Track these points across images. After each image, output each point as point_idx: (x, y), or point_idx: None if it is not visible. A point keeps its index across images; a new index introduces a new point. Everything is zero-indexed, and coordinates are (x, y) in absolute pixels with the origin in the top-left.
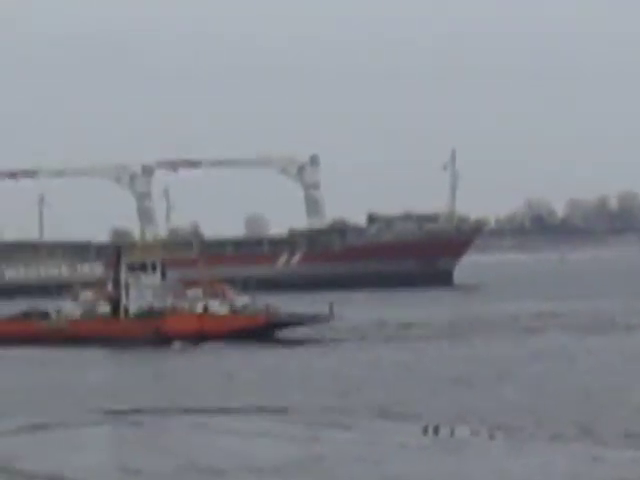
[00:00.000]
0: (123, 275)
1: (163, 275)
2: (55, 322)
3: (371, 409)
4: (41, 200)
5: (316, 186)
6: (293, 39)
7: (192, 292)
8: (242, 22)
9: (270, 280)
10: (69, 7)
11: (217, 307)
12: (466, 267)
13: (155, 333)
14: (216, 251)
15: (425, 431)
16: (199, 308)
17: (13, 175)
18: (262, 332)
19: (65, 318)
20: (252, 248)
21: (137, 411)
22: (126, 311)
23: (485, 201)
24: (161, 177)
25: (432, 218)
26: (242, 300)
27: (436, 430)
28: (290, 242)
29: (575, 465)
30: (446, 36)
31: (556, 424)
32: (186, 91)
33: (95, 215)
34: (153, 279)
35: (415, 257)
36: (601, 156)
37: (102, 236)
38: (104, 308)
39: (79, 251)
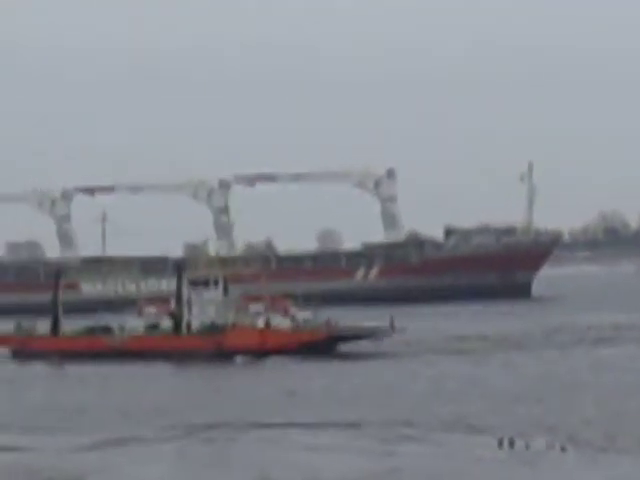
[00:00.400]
0: (185, 291)
1: (225, 291)
2: (118, 338)
3: (442, 422)
4: (103, 216)
5: (393, 199)
6: (367, 53)
7: (254, 307)
8: (309, 35)
9: (348, 294)
10: (139, 24)
11: (279, 322)
12: (542, 279)
13: (217, 348)
14: (292, 266)
15: (500, 444)
16: (261, 323)
17: (91, 191)
18: (323, 346)
19: (128, 334)
20: (329, 262)
21: (208, 426)
22: (189, 326)
23: (558, 213)
24: (238, 192)
25: (509, 231)
26: (303, 315)
27: (511, 443)
28: (367, 256)
29: None
30: (526, 47)
31: (628, 437)
32: (262, 105)
33: (172, 230)
34: (215, 295)
35: (493, 270)
36: None
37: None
38: (167, 323)
39: (156, 266)
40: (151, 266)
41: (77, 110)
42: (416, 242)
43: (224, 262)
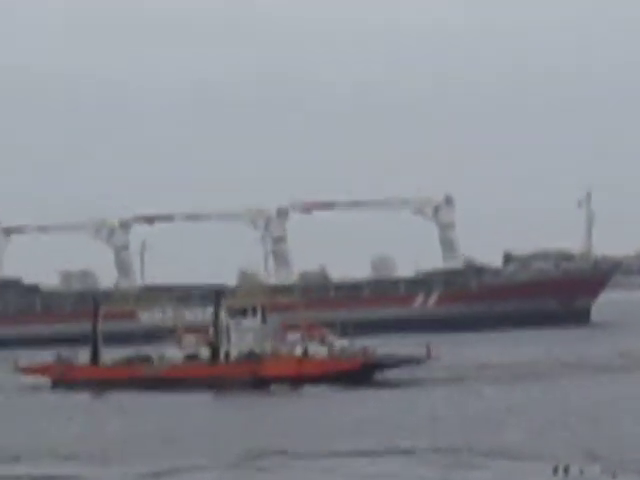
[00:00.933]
0: (224, 319)
1: (263, 319)
2: (157, 367)
3: (491, 449)
4: (143, 245)
5: (451, 226)
6: (423, 79)
7: (292, 336)
8: (365, 67)
9: (406, 321)
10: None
11: (316, 350)
12: (600, 305)
13: (254, 377)
14: (349, 293)
15: (555, 471)
16: (298, 351)
17: (150, 220)
18: (360, 374)
19: (167, 363)
20: (387, 289)
21: (258, 455)
22: (227, 355)
23: (614, 239)
24: (295, 219)
25: (568, 256)
26: (341, 343)
27: (566, 470)
28: (426, 283)
29: None
30: (587, 72)
31: None
32: (319, 135)
33: (230, 259)
34: (253, 323)
35: (552, 296)
36: None
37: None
38: (205, 352)
39: (213, 294)
40: (209, 294)
41: (138, 142)
42: (475, 269)
43: (263, 291)
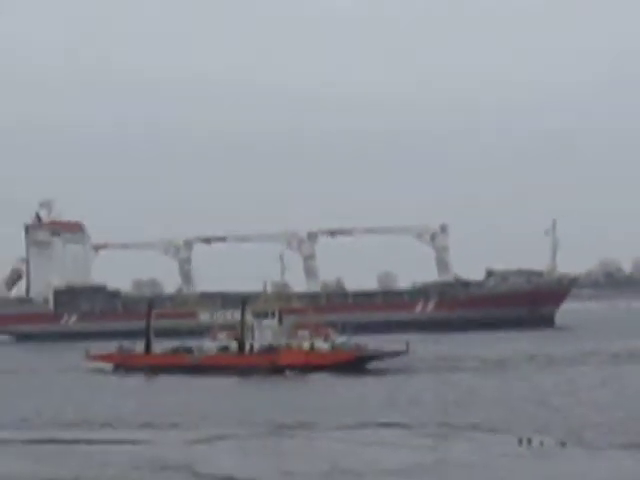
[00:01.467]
0: (249, 320)
1: (280, 320)
2: (196, 356)
3: (470, 424)
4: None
5: (445, 249)
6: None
7: (302, 333)
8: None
9: (409, 323)
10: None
11: (321, 345)
12: (562, 312)
13: (272, 365)
14: (365, 300)
15: (520, 442)
16: (306, 345)
17: (207, 240)
18: (354, 365)
19: (204, 353)
20: (394, 298)
21: (286, 427)
22: (251, 348)
23: (573, 260)
24: (324, 242)
25: (538, 274)
26: (340, 339)
27: (529, 441)
28: (425, 293)
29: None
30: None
31: (621, 435)
32: (345, 172)
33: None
34: (272, 323)
35: (525, 305)
36: None
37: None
38: (234, 345)
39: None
40: (252, 300)
41: (189, 175)
42: (463, 282)
43: (280, 298)
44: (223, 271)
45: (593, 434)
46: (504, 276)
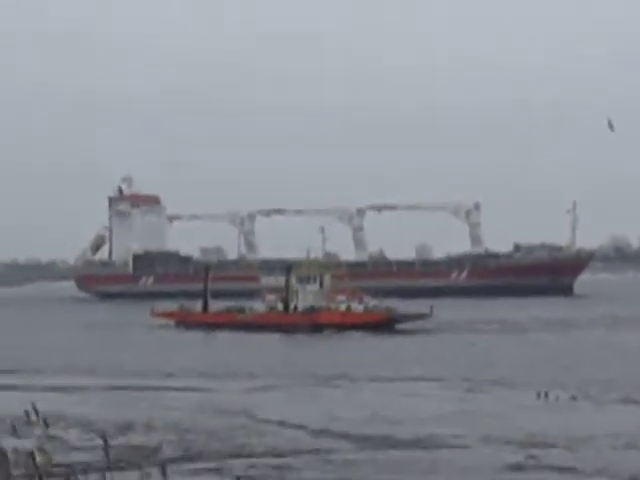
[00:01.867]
0: (294, 284)
1: (321, 285)
2: (247, 315)
3: (492, 380)
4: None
5: (478, 225)
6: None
7: (340, 297)
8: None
9: (445, 290)
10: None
11: (355, 307)
12: (580, 282)
13: (312, 324)
14: (407, 268)
15: (538, 396)
16: (343, 307)
17: (268, 213)
18: (384, 325)
19: (254, 312)
20: (432, 267)
21: (331, 378)
22: (295, 308)
23: (585, 235)
24: (370, 216)
25: (559, 248)
26: (373, 302)
27: (546, 395)
28: (459, 263)
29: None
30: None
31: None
32: (391, 148)
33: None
34: (314, 287)
35: (547, 275)
36: None
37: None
38: (280, 306)
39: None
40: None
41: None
42: (493, 254)
43: (321, 265)
44: (282, 240)
45: (599, 390)
46: (529, 250)
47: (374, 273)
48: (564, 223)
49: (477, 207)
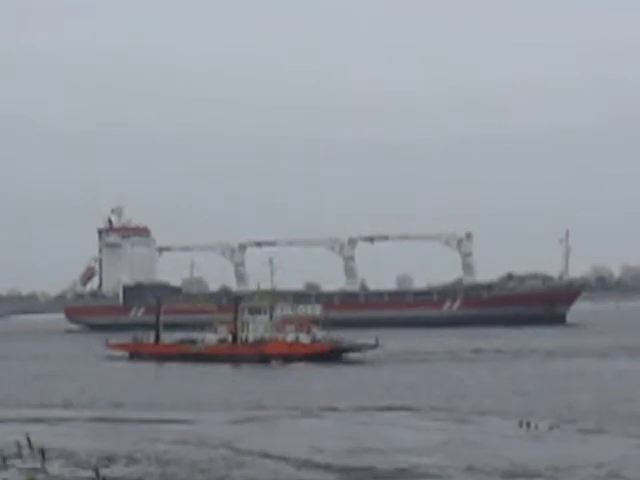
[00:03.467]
0: (242, 315)
1: (271, 316)
2: (198, 346)
3: (468, 409)
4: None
5: (469, 254)
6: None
7: (289, 327)
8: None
9: (437, 319)
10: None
11: (303, 338)
12: (573, 311)
13: (260, 355)
14: (399, 299)
15: (520, 425)
16: (289, 338)
17: (259, 244)
18: (330, 355)
19: (205, 344)
20: (425, 296)
21: (307, 409)
22: (246, 339)
23: (583, 266)
24: (362, 246)
25: (551, 277)
26: (320, 333)
27: (528, 424)
28: (452, 293)
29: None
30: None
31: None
32: (380, 178)
33: (314, 273)
34: (264, 318)
35: (540, 304)
36: None
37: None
38: (230, 338)
39: (305, 297)
40: (302, 297)
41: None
42: (487, 284)
43: (271, 295)
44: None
45: (578, 418)
46: (522, 279)
47: (366, 304)
48: (557, 252)
49: (469, 237)
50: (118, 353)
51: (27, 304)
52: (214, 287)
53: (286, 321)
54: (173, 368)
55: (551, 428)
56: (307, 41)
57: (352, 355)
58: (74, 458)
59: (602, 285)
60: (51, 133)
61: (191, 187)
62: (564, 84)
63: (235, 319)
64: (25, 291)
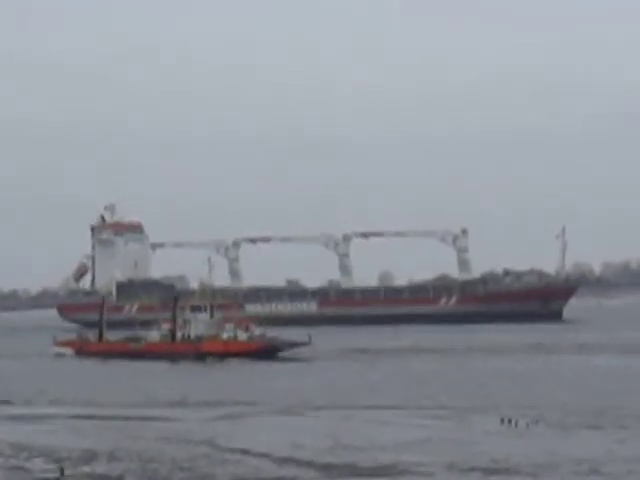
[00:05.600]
0: (183, 313)
1: (211, 314)
2: (139, 344)
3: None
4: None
5: (465, 250)
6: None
7: (228, 325)
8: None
9: (433, 316)
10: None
11: (241, 336)
12: (570, 307)
13: (197, 352)
14: (395, 295)
15: (502, 422)
16: (226, 336)
17: (254, 241)
18: (264, 353)
19: (146, 341)
20: (421, 292)
21: (286, 406)
22: (189, 337)
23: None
24: (357, 242)
25: (548, 273)
26: (258, 331)
27: (510, 421)
28: (448, 289)
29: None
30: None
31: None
32: (385, 173)
33: (310, 270)
34: (205, 317)
35: (537, 300)
36: (627, 230)
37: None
38: (174, 335)
39: (299, 294)
40: (295, 294)
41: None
42: (483, 279)
43: (213, 294)
44: (267, 268)
45: (561, 415)
46: (519, 275)
47: (363, 300)
48: (553, 248)
49: (464, 233)
50: (65, 351)
51: (7, 301)
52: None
53: (227, 319)
54: (114, 365)
55: (530, 424)
56: (308, 41)
57: (287, 352)
58: (53, 456)
59: (583, 282)
60: (46, 128)
61: (184, 183)
62: (562, 78)
63: (173, 317)
64: (7, 288)
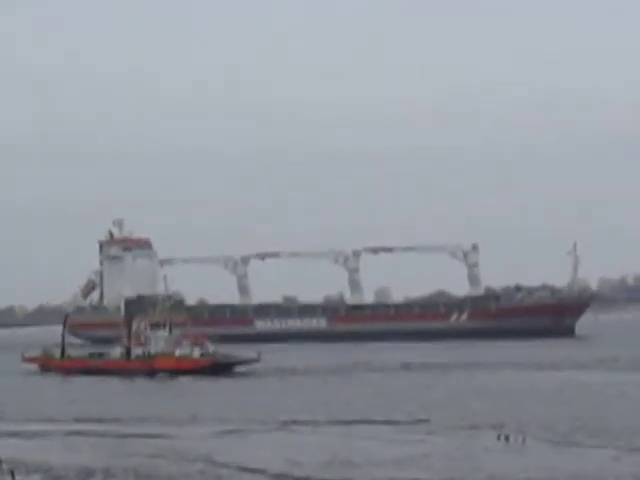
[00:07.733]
0: (146, 330)
1: (170, 331)
2: (99, 361)
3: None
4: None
5: (476, 265)
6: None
7: (186, 342)
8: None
9: (445, 332)
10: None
11: (194, 352)
12: (582, 323)
13: (149, 369)
14: (405, 311)
15: (499, 438)
16: (178, 353)
17: (262, 257)
18: (214, 369)
19: (107, 358)
20: (431, 309)
21: (282, 422)
22: (147, 354)
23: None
24: (367, 258)
25: (560, 289)
26: (211, 348)
27: (507, 437)
28: (459, 305)
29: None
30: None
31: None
32: (388, 191)
33: (317, 285)
34: (164, 333)
35: (549, 316)
36: (622, 248)
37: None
38: (136, 351)
39: (309, 310)
40: (305, 310)
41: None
42: (494, 295)
43: (172, 310)
44: (277, 284)
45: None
46: (531, 290)
47: (373, 316)
48: (565, 263)
49: (475, 248)
50: (30, 366)
51: (3, 318)
52: (191, 301)
53: (185, 336)
54: (76, 382)
55: (526, 440)
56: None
57: (239, 368)
58: (50, 473)
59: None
60: (52, 145)
61: (192, 199)
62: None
63: (129, 334)
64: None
